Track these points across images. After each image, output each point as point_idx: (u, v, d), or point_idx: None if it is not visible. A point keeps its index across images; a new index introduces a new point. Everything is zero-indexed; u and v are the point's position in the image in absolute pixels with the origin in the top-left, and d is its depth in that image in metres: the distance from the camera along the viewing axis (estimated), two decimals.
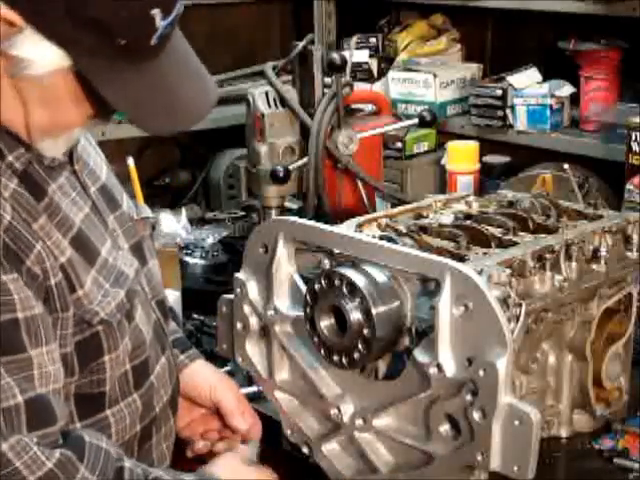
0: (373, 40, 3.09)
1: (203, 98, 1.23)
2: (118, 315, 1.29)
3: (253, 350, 1.51)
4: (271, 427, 1.54)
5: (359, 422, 1.37)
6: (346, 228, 1.48)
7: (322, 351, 1.36)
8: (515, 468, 1.21)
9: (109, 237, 1.34)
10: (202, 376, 1.54)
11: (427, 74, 2.81)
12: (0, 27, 1.11)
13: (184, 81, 1.20)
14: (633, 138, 2.14)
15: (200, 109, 1.22)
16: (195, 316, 2.05)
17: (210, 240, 2.32)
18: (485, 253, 1.40)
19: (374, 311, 1.29)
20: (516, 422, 1.20)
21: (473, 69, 2.92)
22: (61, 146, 1.26)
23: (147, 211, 1.52)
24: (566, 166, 1.95)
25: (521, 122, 2.61)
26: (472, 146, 2.43)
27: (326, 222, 1.49)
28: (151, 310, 1.41)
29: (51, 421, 1.18)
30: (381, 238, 1.43)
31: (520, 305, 1.31)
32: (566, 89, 2.61)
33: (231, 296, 1.52)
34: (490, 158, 2.61)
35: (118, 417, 1.32)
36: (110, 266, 1.30)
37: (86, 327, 1.25)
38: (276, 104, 2.14)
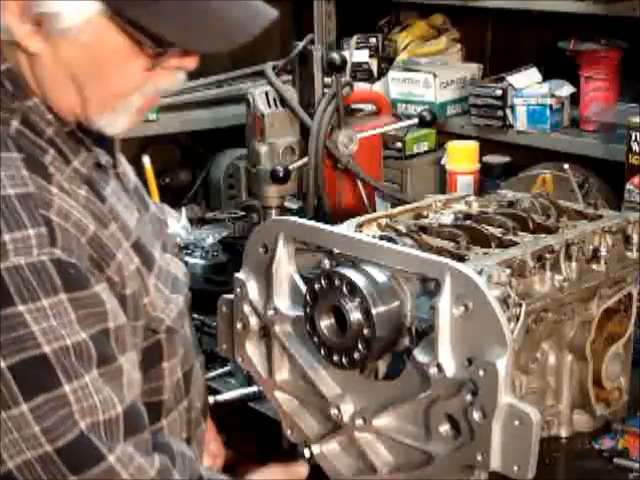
0: (373, 40, 3.09)
1: (253, 13, 1.12)
2: (180, 322, 1.26)
3: (253, 350, 1.51)
4: (271, 427, 1.54)
5: (359, 422, 1.37)
6: (346, 228, 1.48)
7: (322, 351, 1.36)
8: (515, 468, 1.21)
9: (155, 240, 1.29)
10: None
11: (427, 74, 2.81)
12: None
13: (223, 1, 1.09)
14: (633, 138, 2.14)
15: (249, 23, 1.10)
16: (195, 316, 2.05)
17: (210, 240, 2.32)
18: (485, 253, 1.40)
19: (374, 311, 1.29)
20: (516, 422, 1.20)
21: (473, 69, 2.92)
22: (121, 120, 1.15)
23: (168, 211, 1.49)
24: (566, 166, 1.95)
25: (521, 122, 2.61)
26: (472, 146, 2.43)
27: (326, 222, 1.49)
28: None
29: (143, 428, 1.14)
30: (381, 238, 1.43)
31: (520, 305, 1.31)
32: (566, 89, 2.61)
33: (231, 296, 1.51)
34: (490, 158, 2.61)
35: (172, 426, 1.29)
36: (165, 271, 1.27)
37: (150, 334, 1.22)
38: (276, 104, 2.14)
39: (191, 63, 1.12)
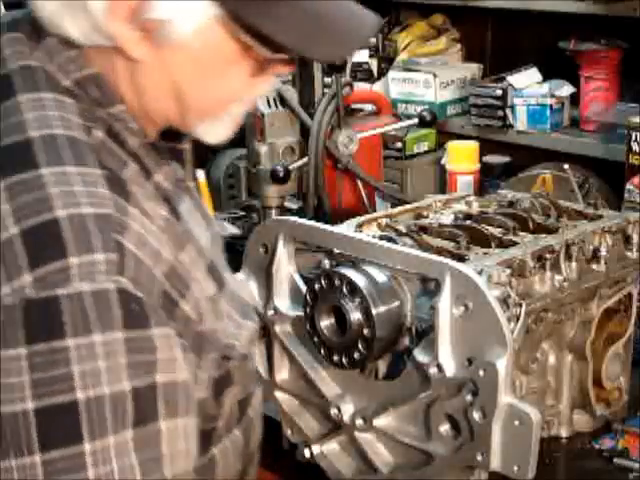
0: (373, 40, 3.09)
1: (360, 19, 1.04)
2: (252, 347, 1.15)
3: None
4: (271, 427, 1.54)
5: (359, 422, 1.37)
6: (346, 228, 1.48)
7: (322, 351, 1.36)
8: (515, 468, 1.21)
9: (223, 260, 1.18)
10: None
11: (427, 74, 2.82)
12: None
13: (329, 3, 1.02)
14: (633, 138, 2.14)
15: (360, 30, 1.03)
16: None
17: None
18: (485, 253, 1.40)
19: (374, 311, 1.29)
20: (516, 422, 1.20)
21: (473, 69, 2.93)
22: (222, 128, 1.07)
23: (229, 227, 1.41)
24: (566, 166, 1.95)
25: (521, 122, 2.61)
26: (472, 146, 2.43)
27: (326, 222, 1.49)
28: None
29: None
30: (381, 238, 1.43)
31: (520, 305, 1.31)
32: (566, 89, 2.61)
33: None
34: (490, 158, 2.61)
35: (223, 454, 1.14)
36: (236, 295, 1.14)
37: (221, 363, 1.07)
38: (276, 104, 2.14)
39: (290, 69, 1.06)
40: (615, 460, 1.48)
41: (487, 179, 2.50)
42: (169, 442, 0.92)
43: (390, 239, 1.43)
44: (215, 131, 1.07)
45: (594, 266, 1.49)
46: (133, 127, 1.00)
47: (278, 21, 0.96)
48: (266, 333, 1.48)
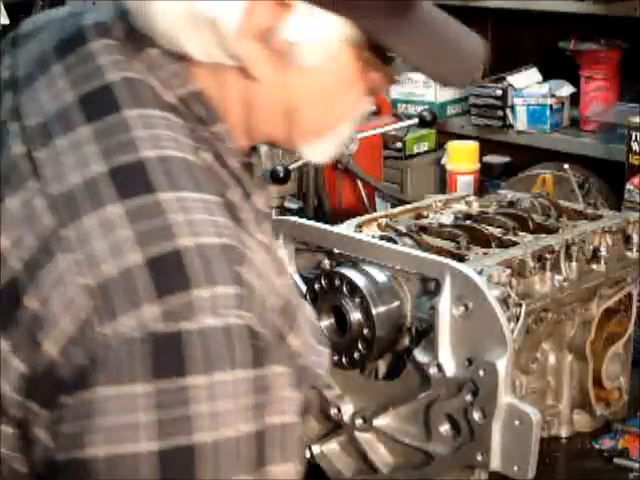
0: None
1: (475, 41, 1.01)
2: (329, 374, 1.09)
3: None
4: None
5: (359, 422, 1.37)
6: (346, 228, 1.48)
7: None
8: (515, 468, 1.21)
9: None
10: None
11: None
12: (267, 13, 0.89)
13: (449, 25, 0.99)
14: (633, 138, 2.14)
15: (479, 53, 1.00)
16: None
17: None
18: (485, 253, 1.40)
19: (374, 311, 1.29)
20: (516, 422, 1.20)
21: None
22: (329, 149, 1.01)
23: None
24: (566, 166, 1.95)
25: (521, 122, 2.61)
26: (472, 146, 2.43)
27: (326, 222, 1.49)
28: None
29: None
30: (381, 238, 1.43)
31: (520, 305, 1.31)
32: (566, 89, 2.61)
33: None
34: (490, 158, 2.61)
35: None
36: (311, 320, 1.06)
37: (307, 393, 1.00)
38: None
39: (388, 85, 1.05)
40: (615, 460, 1.48)
41: (487, 179, 2.50)
42: None
43: (390, 239, 1.43)
44: (322, 150, 1.01)
45: (594, 266, 1.49)
46: (232, 147, 0.95)
47: (410, 41, 0.93)
48: None
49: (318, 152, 1.01)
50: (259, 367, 0.82)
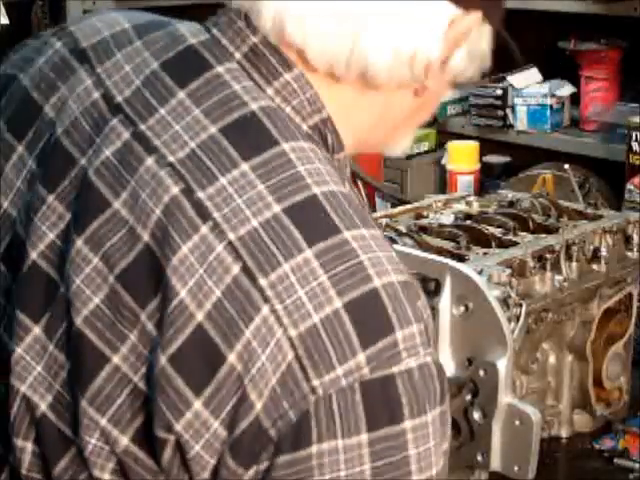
0: None
1: None
2: None
3: None
4: None
5: None
6: None
7: None
8: (515, 468, 1.21)
9: None
10: None
11: None
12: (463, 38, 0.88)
13: None
14: (633, 138, 2.14)
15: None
16: None
17: None
18: (485, 253, 1.40)
19: None
20: (516, 422, 1.20)
21: None
22: (408, 140, 1.00)
23: None
24: (566, 166, 1.95)
25: (521, 122, 2.61)
26: (472, 146, 2.43)
27: None
28: None
29: None
30: None
31: (520, 305, 1.31)
32: (566, 89, 2.61)
33: None
34: (490, 158, 2.61)
35: None
36: None
37: None
38: None
39: None
40: (615, 460, 1.48)
41: (487, 179, 2.50)
42: None
43: (390, 239, 1.43)
44: (403, 144, 0.99)
45: (594, 266, 1.49)
46: (349, 173, 0.91)
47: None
48: None
49: (401, 146, 0.99)
50: (445, 402, 0.81)
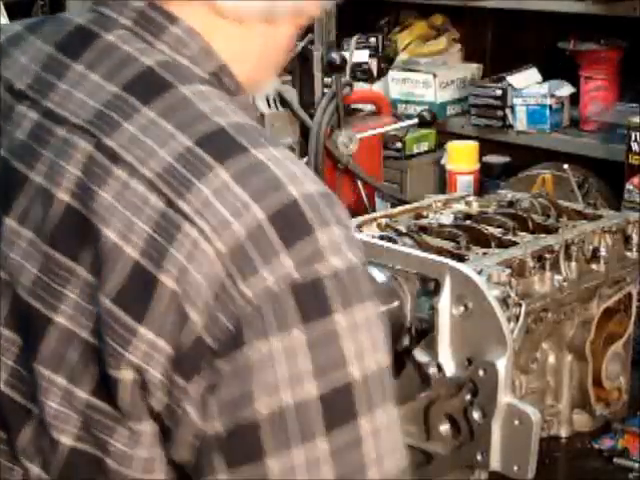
0: (373, 40, 3.09)
1: None
2: None
3: None
4: None
5: None
6: None
7: None
8: (515, 468, 1.21)
9: None
10: None
11: (427, 74, 2.82)
12: None
13: None
14: (633, 138, 2.14)
15: None
16: None
17: None
18: (485, 253, 1.40)
19: None
20: (516, 422, 1.20)
21: (473, 69, 2.92)
22: (271, 81, 1.08)
23: None
24: (566, 166, 1.95)
25: (521, 122, 2.61)
26: (472, 146, 2.43)
27: None
28: None
29: None
30: (381, 238, 1.43)
31: (520, 305, 1.31)
32: (566, 89, 2.61)
33: None
34: (490, 158, 2.61)
35: None
36: None
37: None
38: (276, 104, 2.14)
39: None
40: (615, 460, 1.48)
41: (487, 179, 2.50)
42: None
43: (390, 239, 1.43)
44: (268, 83, 1.06)
45: (594, 266, 1.49)
46: (257, 114, 0.97)
47: None
48: None
49: (266, 87, 1.07)
50: (377, 302, 0.85)
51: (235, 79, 0.92)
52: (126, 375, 0.80)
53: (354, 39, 2.63)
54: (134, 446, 0.83)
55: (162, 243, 0.80)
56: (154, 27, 0.89)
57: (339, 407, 0.81)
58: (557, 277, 1.43)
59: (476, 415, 1.22)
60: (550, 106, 2.58)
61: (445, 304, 1.23)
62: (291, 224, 0.80)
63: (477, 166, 2.41)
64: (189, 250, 0.79)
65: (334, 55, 2.13)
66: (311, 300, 0.79)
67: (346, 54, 2.17)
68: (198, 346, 0.78)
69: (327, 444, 0.80)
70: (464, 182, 2.36)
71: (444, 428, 1.28)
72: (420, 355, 1.27)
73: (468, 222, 1.52)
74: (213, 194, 0.80)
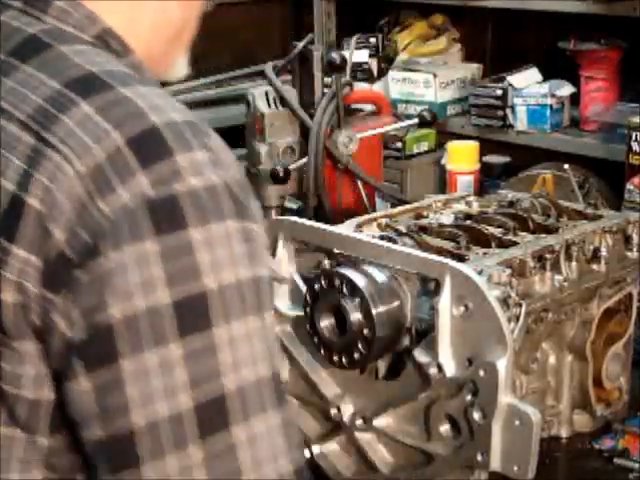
0: (373, 40, 3.09)
1: None
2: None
3: None
4: None
5: (359, 422, 1.37)
6: (346, 228, 1.48)
7: (322, 351, 1.36)
8: (515, 468, 1.21)
9: None
10: None
11: (427, 74, 2.82)
12: None
13: None
14: (633, 138, 2.14)
15: None
16: None
17: None
18: (485, 253, 1.40)
19: (374, 311, 1.29)
20: (516, 422, 1.20)
21: (473, 69, 2.92)
22: (186, 59, 1.12)
23: None
24: (566, 166, 1.95)
25: (521, 122, 2.61)
26: (472, 146, 2.43)
27: (326, 222, 1.49)
28: None
29: None
30: (381, 238, 1.43)
31: (520, 305, 1.31)
32: (566, 89, 2.61)
33: None
34: (490, 158, 2.61)
35: None
36: None
37: None
38: (276, 104, 2.14)
39: None
40: (615, 460, 1.48)
41: (487, 179, 2.50)
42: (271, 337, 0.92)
43: (390, 239, 1.43)
44: (180, 66, 1.10)
45: (594, 266, 1.49)
46: (149, 76, 1.01)
47: None
48: None
49: (179, 70, 1.09)
50: (244, 219, 0.88)
51: (123, 41, 0.98)
52: (7, 297, 0.86)
53: (354, 39, 2.62)
54: (21, 365, 0.88)
55: (29, 171, 0.86)
56: (41, 3, 0.97)
57: (193, 314, 0.84)
58: (557, 277, 1.43)
59: (476, 415, 1.22)
60: (550, 106, 2.57)
61: (445, 304, 1.23)
62: (149, 147, 0.86)
63: (477, 166, 2.40)
64: (52, 172, 0.85)
65: (334, 55, 2.13)
66: (165, 215, 0.84)
67: (346, 54, 2.16)
68: (61, 260, 0.84)
69: (181, 349, 0.84)
70: (464, 182, 2.35)
71: (444, 428, 1.28)
72: (420, 355, 1.27)
73: (468, 222, 1.52)
74: (76, 124, 0.87)
